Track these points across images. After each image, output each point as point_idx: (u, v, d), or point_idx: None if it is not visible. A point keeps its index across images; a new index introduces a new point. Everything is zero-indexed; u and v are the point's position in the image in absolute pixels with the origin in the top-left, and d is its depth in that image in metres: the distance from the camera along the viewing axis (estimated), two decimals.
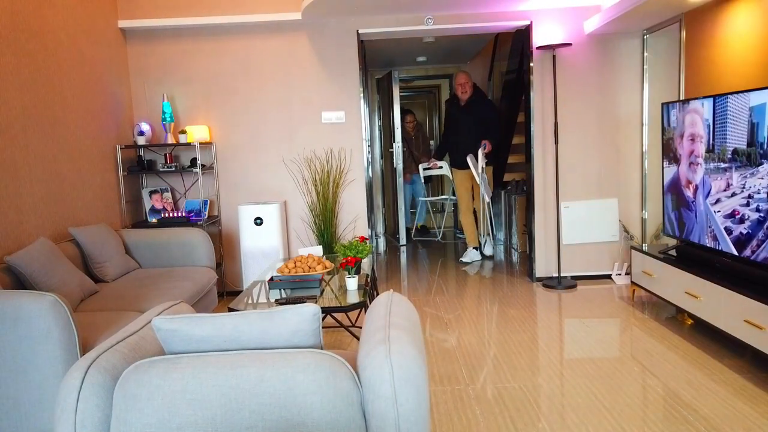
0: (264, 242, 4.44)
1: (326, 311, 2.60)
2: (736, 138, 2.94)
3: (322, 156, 4.70)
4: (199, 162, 4.46)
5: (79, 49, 3.87)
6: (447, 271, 5.21)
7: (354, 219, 4.79)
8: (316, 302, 2.71)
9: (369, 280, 3.41)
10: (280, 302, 2.67)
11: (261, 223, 4.42)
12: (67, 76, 3.71)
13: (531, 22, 4.55)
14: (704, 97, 3.21)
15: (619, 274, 4.66)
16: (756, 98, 2.77)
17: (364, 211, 4.79)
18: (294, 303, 2.67)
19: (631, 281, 4.02)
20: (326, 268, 3.15)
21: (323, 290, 2.92)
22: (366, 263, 3.50)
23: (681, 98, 4.10)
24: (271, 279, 3.01)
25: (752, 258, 2.85)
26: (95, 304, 2.96)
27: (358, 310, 2.94)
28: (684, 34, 4.00)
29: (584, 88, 4.57)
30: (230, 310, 2.63)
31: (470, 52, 6.78)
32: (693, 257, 3.42)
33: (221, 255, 4.74)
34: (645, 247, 3.94)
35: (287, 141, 4.71)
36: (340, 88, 4.68)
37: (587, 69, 4.55)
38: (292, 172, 4.72)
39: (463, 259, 5.53)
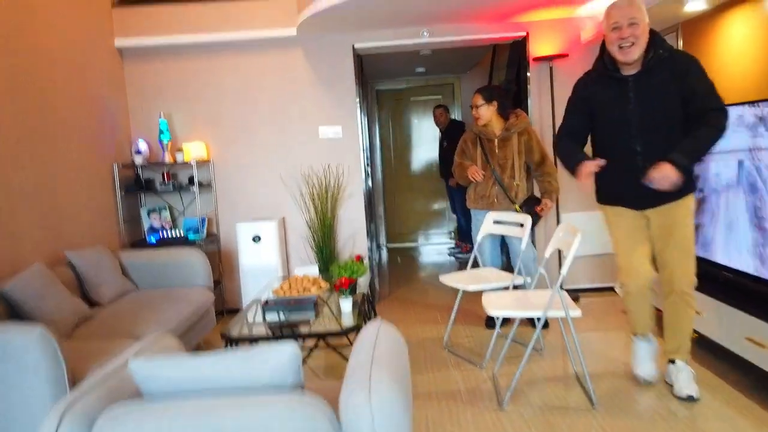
0: (262, 259, 4.42)
1: (319, 336, 2.56)
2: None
3: (320, 171, 4.68)
4: (196, 180, 4.45)
5: (75, 69, 3.88)
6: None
7: (353, 234, 4.76)
8: (309, 326, 2.69)
9: (366, 300, 3.39)
10: (273, 326, 2.64)
11: (259, 241, 4.40)
12: (64, 96, 3.71)
13: (527, 33, 4.52)
14: None
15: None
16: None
17: (363, 226, 4.76)
18: (288, 327, 2.65)
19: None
20: (321, 288, 3.13)
21: (318, 312, 2.89)
22: (363, 282, 3.47)
23: None
24: (266, 302, 2.98)
25: (753, 273, 2.79)
26: (90, 329, 2.94)
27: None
28: (681, 42, 3.96)
29: None
30: (223, 336, 2.61)
31: (469, 62, 6.75)
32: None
33: (220, 273, 4.73)
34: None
35: (285, 157, 4.70)
36: (337, 103, 4.67)
37: None
38: (290, 188, 4.70)
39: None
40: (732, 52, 3.40)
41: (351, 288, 2.96)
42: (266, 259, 4.42)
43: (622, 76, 2.50)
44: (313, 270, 3.45)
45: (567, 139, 2.74)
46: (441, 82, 7.51)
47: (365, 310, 3.34)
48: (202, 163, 4.61)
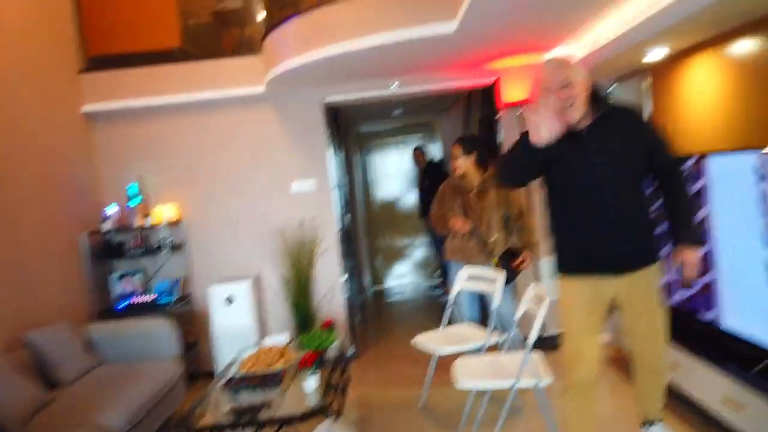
0: (236, 321, 4.31)
1: (279, 422, 2.45)
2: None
3: (294, 227, 4.60)
4: (168, 242, 4.37)
5: (40, 141, 3.83)
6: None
7: (331, 288, 4.66)
8: (271, 408, 2.57)
9: (338, 366, 3.27)
10: (236, 410, 2.53)
11: (232, 302, 4.30)
12: (28, 170, 3.65)
13: (497, 79, 4.50)
14: None
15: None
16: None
17: (339, 283, 4.67)
18: (250, 411, 2.54)
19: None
20: (288, 362, 3.02)
21: (284, 390, 2.78)
22: (335, 346, 3.36)
23: None
24: (229, 380, 2.87)
25: (729, 330, 2.71)
26: (49, 417, 2.83)
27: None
28: (650, 84, 3.94)
29: None
30: (175, 428, 2.49)
31: (446, 103, 6.76)
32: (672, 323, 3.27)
33: (196, 335, 4.61)
34: None
35: (258, 214, 4.63)
36: (309, 157, 4.62)
37: None
38: (265, 246, 4.61)
39: None
40: (698, 96, 3.37)
41: (317, 362, 2.86)
42: (240, 321, 4.31)
43: (575, 131, 2.26)
44: (283, 339, 3.34)
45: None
46: (420, 121, 7.52)
47: (336, 382, 3.23)
48: (175, 224, 4.53)
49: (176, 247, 4.52)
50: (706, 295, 2.89)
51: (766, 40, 2.70)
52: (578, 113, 2.22)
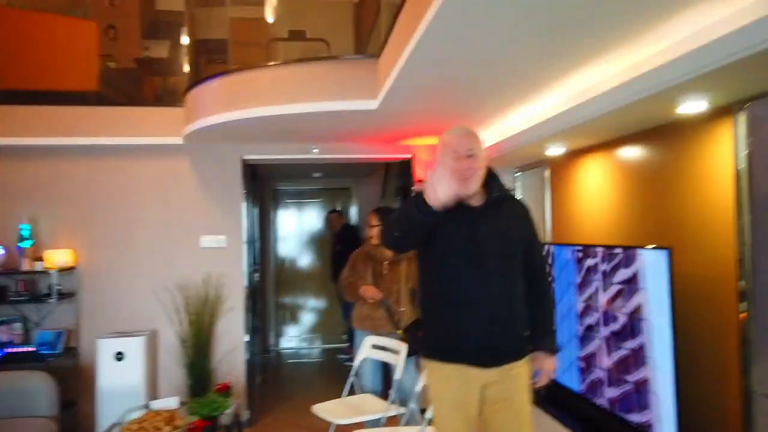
0: (125, 379, 4.04)
1: None
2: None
3: (199, 282, 4.46)
4: (56, 289, 4.08)
5: None
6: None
7: (230, 351, 4.50)
8: None
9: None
10: None
11: (122, 359, 4.05)
12: None
13: (413, 155, 4.73)
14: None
15: None
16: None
17: (242, 343, 4.53)
18: None
19: None
20: (177, 428, 2.87)
21: None
22: (228, 414, 3.23)
23: (547, 236, 4.31)
24: None
25: (615, 412, 2.89)
26: None
27: None
28: (549, 174, 4.29)
29: None
30: None
31: (365, 170, 6.95)
32: (559, 399, 3.43)
33: (78, 392, 4.26)
34: None
35: (162, 266, 4.46)
36: (223, 212, 4.56)
37: None
38: (166, 300, 4.42)
39: None
40: (588, 192, 3.71)
41: (207, 430, 2.74)
42: (129, 380, 4.05)
43: (469, 205, 2.13)
44: (173, 402, 3.17)
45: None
46: (338, 185, 7.65)
47: None
48: (69, 271, 4.26)
49: (66, 296, 4.23)
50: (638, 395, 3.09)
51: (648, 149, 3.05)
52: (476, 186, 2.10)
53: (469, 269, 2.10)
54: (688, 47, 1.98)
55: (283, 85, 3.48)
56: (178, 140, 4.35)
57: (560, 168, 4.10)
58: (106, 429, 3.18)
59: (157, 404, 3.18)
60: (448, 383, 2.12)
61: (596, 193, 3.60)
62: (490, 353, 2.10)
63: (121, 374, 4.04)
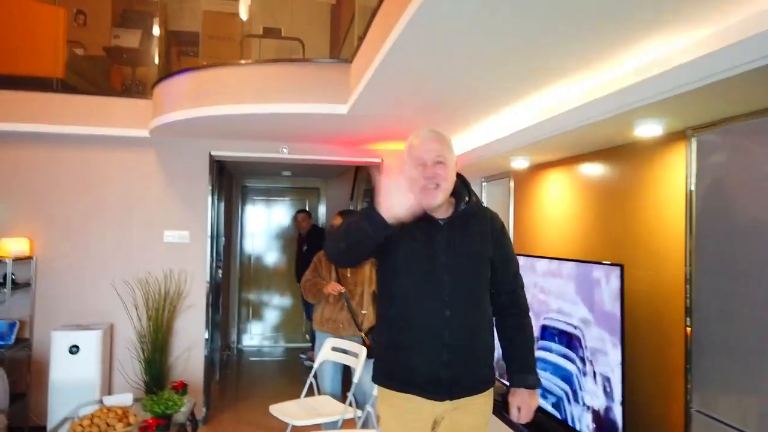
0: (79, 374, 3.97)
1: None
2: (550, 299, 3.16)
3: (160, 277, 4.41)
4: (10, 279, 3.98)
5: None
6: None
7: (191, 346, 4.46)
8: None
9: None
10: None
11: (77, 352, 3.97)
12: None
13: (382, 160, 4.76)
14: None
15: None
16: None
17: (201, 339, 4.49)
18: None
19: None
20: (129, 425, 2.83)
21: None
22: (184, 410, 3.21)
23: None
24: None
25: (564, 419, 2.98)
26: None
27: None
28: (512, 185, 4.38)
29: None
30: None
31: (335, 171, 6.96)
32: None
33: (28, 384, 4.16)
34: None
35: (123, 259, 4.39)
36: (188, 207, 4.51)
37: None
38: (125, 294, 4.35)
39: None
40: (548, 205, 3.80)
41: (161, 428, 2.72)
42: (84, 374, 3.97)
43: (432, 218, 1.91)
44: (127, 399, 3.13)
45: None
46: (307, 185, 7.64)
47: None
48: (24, 261, 4.16)
49: (21, 286, 4.13)
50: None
51: (606, 168, 3.16)
52: (441, 198, 1.87)
53: (427, 291, 1.86)
54: (646, 74, 2.06)
55: (252, 84, 3.48)
56: (144, 133, 4.28)
57: (524, 180, 4.19)
58: (57, 423, 3.12)
59: (110, 400, 3.14)
60: (397, 413, 1.91)
61: (556, 207, 3.69)
62: (445, 384, 1.86)
63: (75, 368, 3.96)
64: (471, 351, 1.88)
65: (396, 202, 1.66)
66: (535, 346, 2.01)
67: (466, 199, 1.95)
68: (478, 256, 1.92)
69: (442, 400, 1.86)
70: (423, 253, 1.87)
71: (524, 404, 1.91)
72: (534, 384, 1.94)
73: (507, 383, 1.87)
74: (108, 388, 4.25)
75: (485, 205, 2.23)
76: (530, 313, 2.04)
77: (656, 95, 2.03)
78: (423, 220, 1.86)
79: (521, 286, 2.05)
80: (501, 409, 2.90)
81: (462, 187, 1.97)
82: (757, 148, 1.54)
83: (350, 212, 4.04)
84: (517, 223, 4.30)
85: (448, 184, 1.89)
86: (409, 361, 1.87)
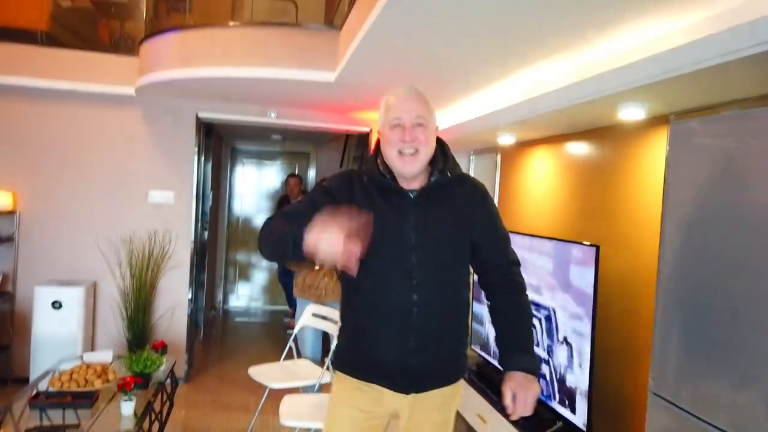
0: (62, 329, 4.00)
1: None
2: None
3: (145, 237, 4.42)
4: None
5: None
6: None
7: (174, 305, 4.50)
8: (77, 431, 2.45)
9: (163, 391, 3.18)
10: (37, 430, 2.37)
11: (60, 307, 4.00)
12: None
13: (370, 129, 4.74)
14: None
15: None
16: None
17: (185, 299, 4.53)
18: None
19: None
20: (108, 381, 2.88)
21: (97, 413, 2.65)
22: (164, 369, 3.26)
23: None
24: (36, 395, 2.68)
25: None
26: None
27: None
28: (499, 160, 4.38)
29: None
30: None
31: (325, 137, 6.91)
32: (489, 377, 3.60)
33: (10, 337, 4.21)
34: None
35: (107, 217, 4.38)
36: (174, 168, 4.49)
37: None
38: (108, 253, 4.36)
39: None
40: (532, 182, 3.82)
41: (138, 386, 2.77)
42: (66, 329, 4.01)
43: (401, 189, 1.70)
44: (107, 356, 3.17)
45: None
46: (297, 149, 7.59)
47: (160, 406, 3.14)
48: (6, 215, 4.15)
49: (3, 240, 4.14)
50: None
51: (590, 148, 3.16)
52: (419, 166, 1.67)
53: (394, 273, 1.66)
54: (631, 58, 2.05)
55: (240, 47, 3.42)
56: (130, 91, 4.23)
57: (510, 156, 4.19)
58: (38, 376, 3.16)
59: (91, 357, 3.18)
60: (350, 403, 1.74)
61: (540, 185, 3.71)
62: (412, 374, 1.68)
63: (57, 323, 4.00)
64: (443, 337, 1.71)
65: (325, 250, 1.42)
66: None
67: (441, 166, 1.72)
68: (453, 232, 1.71)
69: (407, 392, 1.69)
70: (390, 231, 1.65)
71: (521, 390, 1.59)
72: (533, 367, 1.65)
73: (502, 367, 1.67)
74: (91, 345, 4.30)
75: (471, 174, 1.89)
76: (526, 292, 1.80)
77: (640, 80, 2.02)
78: (392, 192, 1.70)
79: (514, 262, 1.80)
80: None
81: (440, 153, 1.75)
82: (731, 141, 1.55)
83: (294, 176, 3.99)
84: (502, 199, 4.33)
85: (428, 149, 1.69)
86: (374, 348, 1.69)
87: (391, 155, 1.68)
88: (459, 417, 3.63)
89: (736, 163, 1.54)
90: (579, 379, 2.66)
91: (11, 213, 4.18)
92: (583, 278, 2.64)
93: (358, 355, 1.75)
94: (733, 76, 1.84)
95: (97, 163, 4.37)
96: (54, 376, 2.90)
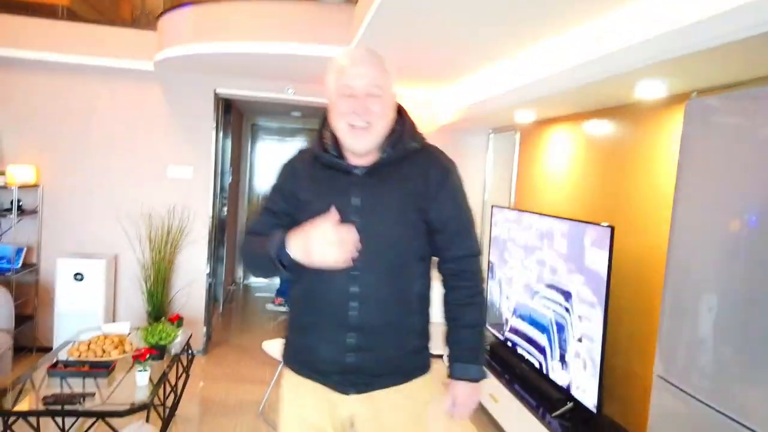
0: (84, 300, 4.11)
1: (96, 415, 2.41)
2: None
3: (164, 212, 4.47)
4: (16, 205, 4.07)
5: None
6: None
7: (190, 282, 4.57)
8: (93, 399, 2.52)
9: (179, 363, 3.25)
10: (48, 401, 2.44)
11: (82, 279, 4.10)
12: None
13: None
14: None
15: None
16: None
17: (203, 275, 4.60)
18: (65, 402, 2.46)
19: None
20: (125, 352, 2.95)
21: (113, 383, 2.72)
22: (179, 341, 3.32)
23: (512, 200, 4.37)
24: (55, 364, 2.76)
25: (546, 373, 3.05)
26: None
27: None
28: (518, 138, 4.31)
29: None
30: None
31: None
32: (503, 357, 3.59)
33: (35, 307, 4.33)
34: None
35: (127, 192, 4.44)
36: (192, 143, 4.52)
37: None
38: (129, 227, 4.44)
39: None
40: (552, 160, 3.75)
41: (154, 357, 2.83)
42: (88, 301, 4.11)
43: (346, 167, 1.50)
44: (124, 327, 3.25)
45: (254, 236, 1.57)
46: (317, 126, 7.56)
47: (175, 378, 3.21)
48: (30, 188, 4.24)
49: (27, 212, 4.23)
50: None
51: (610, 127, 3.08)
52: (372, 142, 1.46)
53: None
54: (650, 33, 1.97)
55: (256, 21, 3.40)
56: (149, 66, 4.25)
57: (529, 135, 4.12)
58: (59, 346, 3.25)
59: (108, 328, 3.25)
60: (301, 401, 1.58)
61: (558, 164, 3.64)
62: (350, 374, 1.50)
63: (79, 295, 4.10)
64: (388, 334, 1.50)
65: (319, 251, 1.32)
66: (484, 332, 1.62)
67: (395, 139, 1.50)
68: (403, 216, 1.49)
69: (347, 393, 1.52)
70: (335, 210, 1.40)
71: (461, 400, 1.54)
72: (477, 377, 1.55)
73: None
74: (112, 316, 4.40)
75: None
76: (484, 287, 1.61)
77: (659, 56, 1.95)
78: (335, 169, 1.50)
79: (473, 253, 1.57)
80: None
81: (398, 123, 1.52)
82: (750, 120, 1.49)
83: None
84: (520, 178, 4.26)
85: (384, 122, 1.47)
86: (311, 345, 1.53)
87: (340, 128, 1.47)
88: None
89: (755, 143, 1.48)
90: (591, 360, 2.63)
91: (35, 186, 4.27)
92: (597, 260, 2.60)
93: (298, 351, 1.58)
94: (757, 51, 1.75)
95: (117, 139, 4.42)
96: (73, 345, 2.99)
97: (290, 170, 1.60)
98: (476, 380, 1.54)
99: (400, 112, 1.56)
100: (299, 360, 1.57)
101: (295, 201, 1.52)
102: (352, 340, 1.48)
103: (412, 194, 1.49)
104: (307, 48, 3.35)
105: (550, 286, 3.03)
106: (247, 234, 1.63)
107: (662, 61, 1.97)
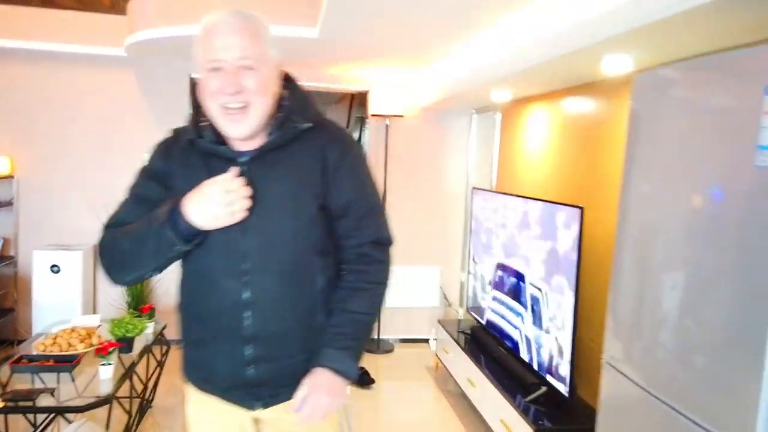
0: (62, 293, 4.06)
1: (55, 411, 2.36)
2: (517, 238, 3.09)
3: None
4: None
5: None
6: None
7: (171, 271, 4.49)
8: (53, 394, 2.47)
9: (149, 353, 3.21)
10: (5, 398, 2.39)
11: (59, 272, 4.05)
12: None
13: (369, 89, 4.58)
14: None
15: (435, 339, 4.78)
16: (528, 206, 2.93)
17: None
18: (22, 399, 2.42)
19: (436, 353, 4.13)
20: (91, 346, 2.90)
21: (76, 376, 2.67)
22: (149, 332, 3.27)
23: (493, 181, 4.27)
24: (19, 359, 2.71)
25: (528, 361, 2.98)
26: None
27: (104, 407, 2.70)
28: (499, 118, 4.20)
29: (415, 158, 4.65)
30: None
31: (333, 97, 6.76)
32: (483, 342, 3.53)
33: (15, 300, 4.30)
34: (460, 315, 4.06)
35: (104, 182, 4.37)
36: (168, 130, 4.42)
37: (419, 140, 4.64)
38: (105, 216, 4.36)
39: None
40: (529, 140, 3.65)
41: (119, 350, 2.78)
42: (66, 293, 4.07)
43: (228, 154, 1.29)
44: (94, 320, 3.20)
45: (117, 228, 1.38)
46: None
47: (147, 368, 3.17)
48: (4, 180, 4.18)
49: (3, 204, 4.18)
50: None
51: (582, 104, 2.98)
52: (251, 126, 1.25)
53: (219, 263, 1.29)
54: (611, 5, 1.87)
55: (222, 2, 3.28)
56: (121, 51, 4.15)
57: (509, 114, 4.01)
58: (27, 340, 3.21)
59: (79, 320, 3.21)
60: (207, 418, 1.43)
61: (534, 144, 3.54)
62: (252, 389, 1.34)
63: (56, 287, 4.06)
64: (291, 340, 1.32)
65: (222, 208, 1.19)
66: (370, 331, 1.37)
67: (283, 118, 1.29)
68: (297, 206, 1.28)
69: (252, 408, 1.36)
70: None
71: (317, 391, 1.25)
72: (345, 371, 1.28)
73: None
74: (92, 308, 4.36)
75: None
76: (388, 280, 1.39)
77: (622, 25, 1.84)
78: (216, 157, 1.29)
79: (381, 240, 1.38)
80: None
81: (287, 99, 1.31)
82: (705, 91, 1.39)
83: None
84: (502, 159, 4.17)
85: (264, 99, 1.24)
86: (207, 361, 1.36)
87: (213, 111, 1.25)
88: (450, 380, 3.60)
89: (710, 114, 1.38)
90: (562, 344, 2.56)
91: (9, 178, 4.20)
92: (567, 240, 2.52)
93: (196, 367, 1.40)
94: (725, 20, 1.65)
95: (93, 127, 4.34)
96: (40, 339, 2.94)
97: (164, 153, 1.41)
98: (343, 375, 1.27)
99: (290, 84, 1.34)
100: (199, 376, 1.40)
101: (170, 191, 1.30)
102: (250, 351, 1.30)
103: (307, 180, 1.28)
104: (273, 29, 3.23)
105: (522, 269, 2.96)
106: (109, 228, 1.40)
107: (624, 33, 1.87)
